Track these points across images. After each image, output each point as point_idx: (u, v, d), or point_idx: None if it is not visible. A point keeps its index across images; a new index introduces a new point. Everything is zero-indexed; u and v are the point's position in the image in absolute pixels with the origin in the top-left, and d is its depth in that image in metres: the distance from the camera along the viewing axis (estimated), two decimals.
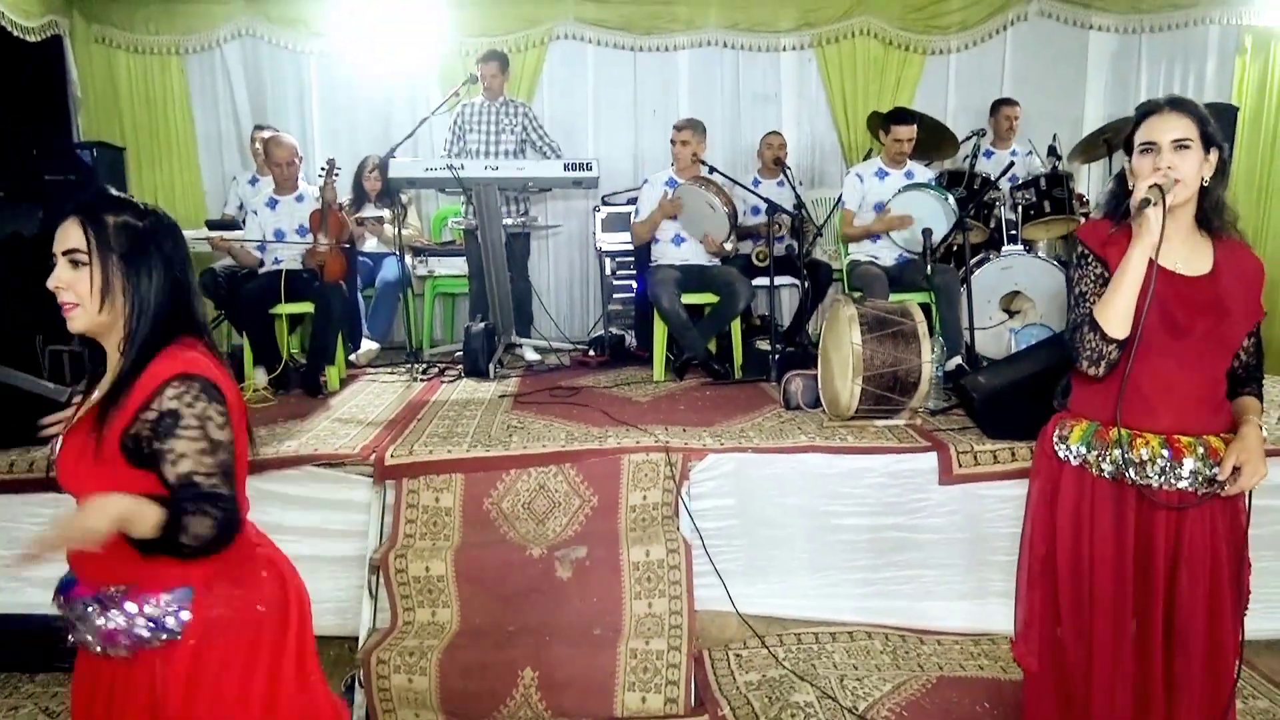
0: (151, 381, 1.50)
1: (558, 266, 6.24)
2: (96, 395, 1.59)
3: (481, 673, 2.85)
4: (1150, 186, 1.87)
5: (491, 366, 4.74)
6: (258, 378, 4.50)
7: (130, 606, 1.52)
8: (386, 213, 5.49)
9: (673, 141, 4.85)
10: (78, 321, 1.57)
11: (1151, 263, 1.88)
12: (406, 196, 5.68)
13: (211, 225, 5.32)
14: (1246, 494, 2.01)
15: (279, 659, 1.62)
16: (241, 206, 5.50)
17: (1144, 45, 6.04)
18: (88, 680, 1.62)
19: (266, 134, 5.41)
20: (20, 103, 5.49)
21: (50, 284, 1.56)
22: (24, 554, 1.40)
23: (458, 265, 5.53)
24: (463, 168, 4.61)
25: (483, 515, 3.20)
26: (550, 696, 2.83)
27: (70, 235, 1.55)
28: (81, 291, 1.55)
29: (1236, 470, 1.93)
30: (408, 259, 5.23)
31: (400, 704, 2.79)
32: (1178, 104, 1.96)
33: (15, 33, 5.06)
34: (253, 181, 5.55)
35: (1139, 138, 1.96)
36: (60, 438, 1.61)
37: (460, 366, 4.84)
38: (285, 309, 4.54)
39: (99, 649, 1.55)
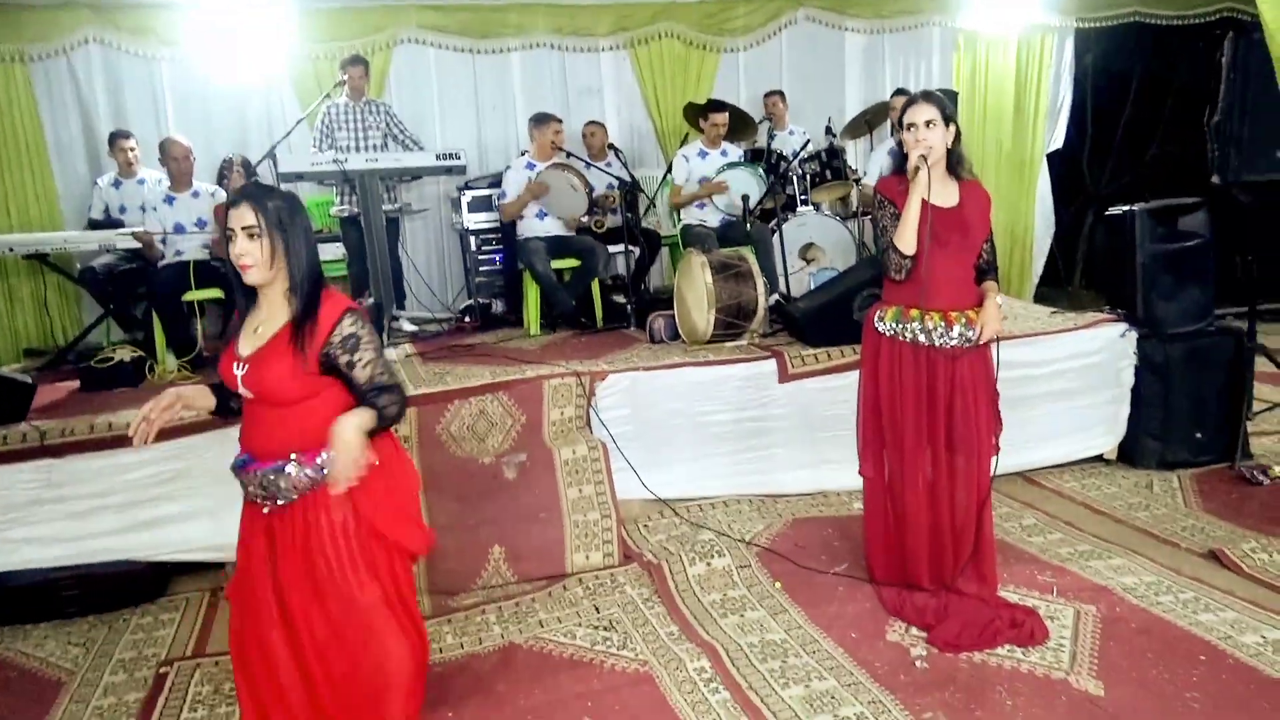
0: (331, 315, 2.13)
1: (415, 246, 6.84)
2: (264, 329, 2.16)
3: (459, 554, 3.61)
4: (919, 156, 2.93)
5: (384, 336, 5.37)
6: (169, 362, 4.91)
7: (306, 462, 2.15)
8: None
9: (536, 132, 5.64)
10: (254, 276, 2.11)
11: (925, 202, 2.96)
12: None
13: (93, 225, 5.55)
14: (993, 347, 3.12)
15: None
16: (107, 209, 5.73)
17: (886, 44, 7.50)
18: (256, 531, 2.25)
19: (130, 141, 5.68)
20: None
21: (233, 252, 2.10)
22: (341, 484, 2.02)
23: (330, 251, 6.03)
24: (347, 160, 5.19)
25: (435, 439, 3.92)
26: (516, 565, 3.65)
27: (245, 215, 2.10)
28: (257, 256, 2.10)
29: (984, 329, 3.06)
30: None
31: None
32: (926, 95, 3.04)
33: None
34: (116, 184, 5.77)
35: (905, 120, 3.03)
36: (244, 362, 2.14)
37: None
38: (197, 295, 4.96)
39: (280, 500, 2.16)
